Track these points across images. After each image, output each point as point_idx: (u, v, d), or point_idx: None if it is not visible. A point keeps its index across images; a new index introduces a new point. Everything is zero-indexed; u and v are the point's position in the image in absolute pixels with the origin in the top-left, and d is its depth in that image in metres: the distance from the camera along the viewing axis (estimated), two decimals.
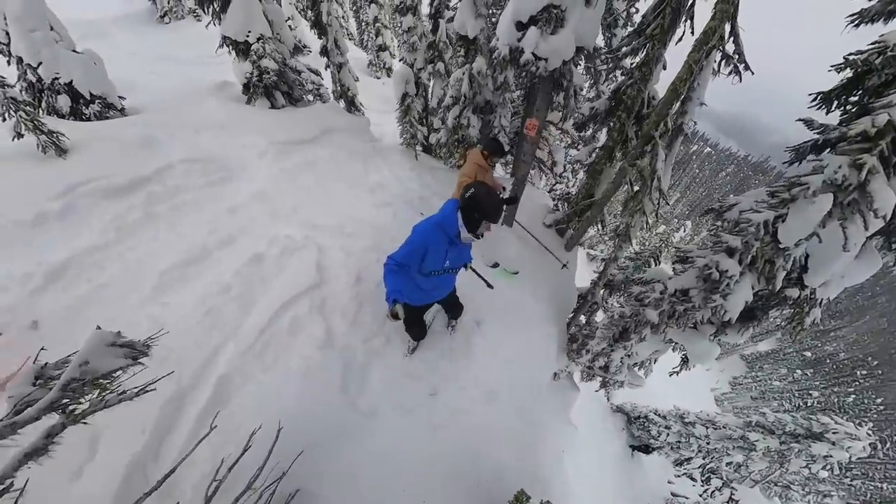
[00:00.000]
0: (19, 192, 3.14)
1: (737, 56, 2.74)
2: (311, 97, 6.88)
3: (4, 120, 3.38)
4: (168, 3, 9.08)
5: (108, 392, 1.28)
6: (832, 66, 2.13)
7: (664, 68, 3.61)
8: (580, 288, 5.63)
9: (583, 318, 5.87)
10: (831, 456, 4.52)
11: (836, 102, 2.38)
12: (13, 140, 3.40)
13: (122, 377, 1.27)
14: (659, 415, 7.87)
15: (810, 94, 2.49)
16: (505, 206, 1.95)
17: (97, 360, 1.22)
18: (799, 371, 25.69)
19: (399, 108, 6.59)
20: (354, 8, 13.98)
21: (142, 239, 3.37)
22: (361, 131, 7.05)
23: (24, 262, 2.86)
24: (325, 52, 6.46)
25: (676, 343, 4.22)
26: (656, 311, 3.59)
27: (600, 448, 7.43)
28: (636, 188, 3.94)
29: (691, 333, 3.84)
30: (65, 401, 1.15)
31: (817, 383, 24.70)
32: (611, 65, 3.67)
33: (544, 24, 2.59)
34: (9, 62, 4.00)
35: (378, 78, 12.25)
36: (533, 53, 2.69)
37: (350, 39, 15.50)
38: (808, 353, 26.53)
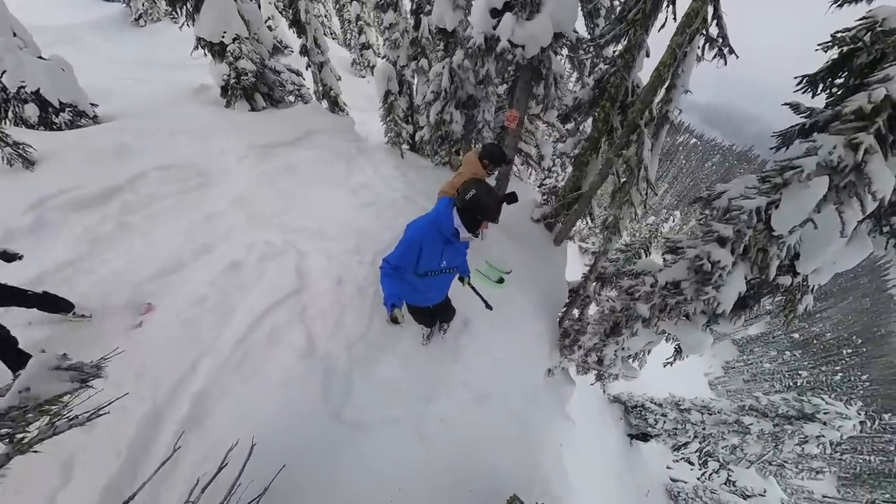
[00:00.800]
0: None
1: (721, 39, 2.68)
2: (292, 98, 6.74)
3: None
4: (143, 5, 8.80)
5: (57, 418, 1.20)
6: (819, 45, 2.09)
7: (647, 55, 3.54)
8: (571, 282, 5.59)
9: (576, 313, 5.84)
10: (823, 436, 4.58)
11: (821, 85, 2.35)
12: None
13: (86, 399, 1.20)
14: (655, 403, 7.94)
15: (796, 78, 2.45)
16: (506, 204, 1.91)
17: (40, 385, 1.14)
18: (788, 352, 26.36)
19: (382, 105, 6.48)
20: (337, 6, 13.76)
21: (116, 251, 3.26)
22: (345, 131, 6.92)
23: None
24: (304, 51, 6.32)
25: (669, 334, 4.24)
26: (647, 305, 3.56)
27: (600, 439, 7.46)
28: (623, 179, 3.89)
29: (684, 324, 3.80)
30: (5, 430, 1.08)
31: (806, 363, 25.42)
32: (593, 53, 3.59)
33: (520, 9, 2.52)
34: None
35: (363, 77, 12.07)
36: (509, 41, 2.62)
37: (333, 38, 15.23)
38: (797, 335, 27.18)
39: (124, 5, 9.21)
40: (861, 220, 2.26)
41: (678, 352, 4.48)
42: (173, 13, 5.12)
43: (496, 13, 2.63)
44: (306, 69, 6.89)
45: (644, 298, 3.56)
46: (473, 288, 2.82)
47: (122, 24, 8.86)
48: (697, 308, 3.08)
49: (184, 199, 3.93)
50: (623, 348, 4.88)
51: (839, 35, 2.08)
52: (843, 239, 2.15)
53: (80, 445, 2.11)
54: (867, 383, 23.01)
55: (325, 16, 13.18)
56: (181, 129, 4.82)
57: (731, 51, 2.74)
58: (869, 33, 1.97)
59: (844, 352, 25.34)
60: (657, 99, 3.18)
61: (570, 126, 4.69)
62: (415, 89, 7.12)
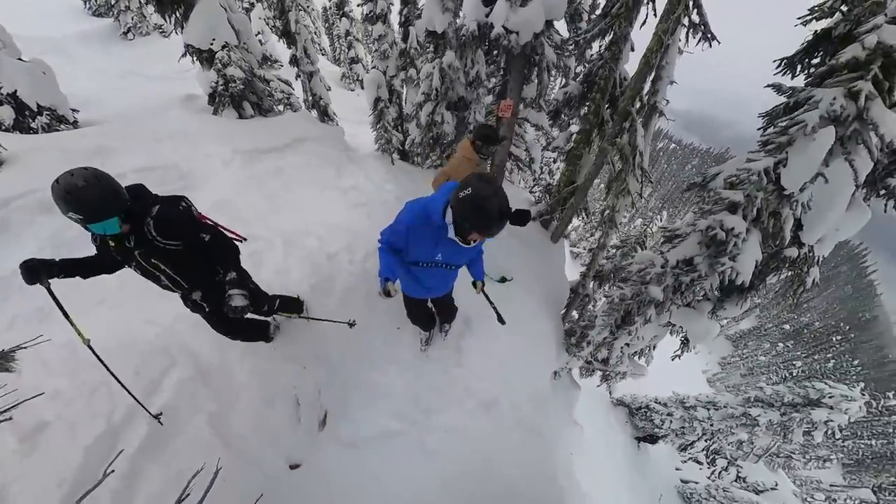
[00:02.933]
0: None
1: (703, 26, 2.77)
2: (281, 107, 6.75)
3: None
4: (132, 19, 8.87)
5: None
6: (799, 18, 2.14)
7: (632, 49, 3.64)
8: (570, 281, 5.51)
9: (575, 314, 5.71)
10: (832, 420, 4.51)
11: (799, 67, 2.43)
12: None
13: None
14: (660, 403, 7.77)
15: (774, 61, 2.53)
16: (510, 224, 1.56)
17: None
18: (781, 344, 26.88)
19: (372, 112, 6.53)
20: (327, 25, 14.23)
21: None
22: (335, 140, 6.90)
23: None
24: (294, 61, 6.38)
25: (675, 326, 4.08)
26: (660, 287, 3.45)
27: (607, 445, 7.19)
28: (619, 167, 3.85)
29: (689, 312, 3.75)
30: None
31: (799, 353, 26.00)
32: (579, 50, 3.67)
33: None
34: None
35: (352, 90, 12.31)
36: (503, 27, 2.63)
37: (323, 54, 15.68)
38: (787, 326, 27.80)
39: (113, 19, 9.27)
40: (858, 187, 2.27)
41: (685, 343, 4.36)
42: (165, 28, 5.10)
43: (488, 2, 2.66)
44: (296, 79, 6.95)
45: (656, 280, 3.43)
46: (487, 297, 2.47)
47: (111, 37, 8.89)
48: (714, 283, 2.96)
49: None
50: (637, 338, 4.71)
51: (816, 7, 2.14)
52: (846, 202, 2.12)
53: (14, 474, 1.77)
54: (859, 368, 23.53)
55: (315, 33, 13.55)
56: (165, 134, 4.70)
57: (713, 37, 2.87)
58: (843, 3, 2.04)
59: (834, 339, 26.02)
60: (646, 87, 3.23)
61: (560, 121, 4.73)
62: (404, 99, 7.22)
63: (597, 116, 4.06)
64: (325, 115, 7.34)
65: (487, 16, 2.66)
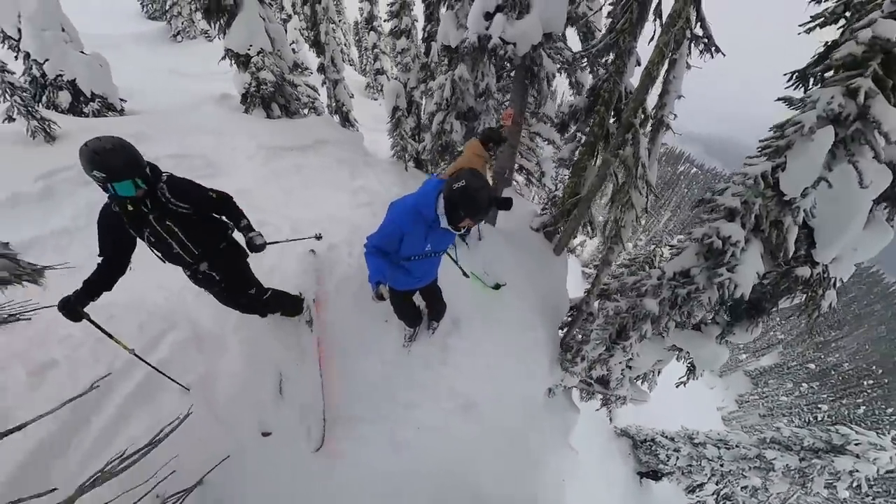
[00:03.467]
0: (0, 174, 3.19)
1: (706, 39, 2.80)
2: (306, 111, 7.22)
3: (2, 100, 3.52)
4: (181, 24, 9.95)
5: None
6: (801, 26, 2.10)
7: (638, 63, 3.72)
8: (573, 299, 5.40)
9: (578, 334, 5.55)
10: (857, 471, 4.06)
11: (812, 80, 2.38)
12: (3, 122, 3.51)
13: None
14: (666, 437, 7.30)
15: (785, 74, 2.48)
16: (496, 208, 1.78)
17: None
18: (805, 384, 24.50)
19: (390, 120, 6.87)
20: (357, 38, 15.22)
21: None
22: (354, 144, 7.28)
23: None
24: (322, 68, 6.86)
25: (681, 351, 3.89)
26: (656, 300, 3.27)
27: (606, 476, 6.81)
28: (622, 180, 3.80)
29: (695, 336, 3.57)
30: None
31: (825, 396, 23.53)
32: (586, 62, 3.81)
33: (509, 10, 2.74)
34: (16, 57, 4.24)
35: (375, 99, 12.97)
36: (500, 38, 2.81)
37: (351, 65, 16.70)
38: (812, 366, 25.39)
39: (166, 23, 10.45)
40: (876, 202, 2.15)
41: (691, 370, 4.11)
42: (210, 32, 5.64)
43: (488, 16, 2.87)
44: (322, 86, 7.44)
45: (652, 293, 3.30)
46: (452, 257, 2.85)
47: (162, 38, 10.02)
48: (712, 297, 2.79)
49: None
50: (630, 365, 4.51)
51: (818, 14, 2.08)
52: (861, 216, 2.02)
53: (21, 402, 1.97)
54: (894, 417, 21.01)
55: (345, 44, 14.50)
56: (198, 127, 5.15)
57: (718, 49, 2.86)
58: (844, 8, 1.97)
59: (865, 383, 23.51)
60: (649, 97, 3.28)
61: (567, 133, 4.83)
62: (423, 109, 7.57)
63: (601, 128, 4.10)
64: (346, 120, 7.76)
65: (487, 28, 2.86)
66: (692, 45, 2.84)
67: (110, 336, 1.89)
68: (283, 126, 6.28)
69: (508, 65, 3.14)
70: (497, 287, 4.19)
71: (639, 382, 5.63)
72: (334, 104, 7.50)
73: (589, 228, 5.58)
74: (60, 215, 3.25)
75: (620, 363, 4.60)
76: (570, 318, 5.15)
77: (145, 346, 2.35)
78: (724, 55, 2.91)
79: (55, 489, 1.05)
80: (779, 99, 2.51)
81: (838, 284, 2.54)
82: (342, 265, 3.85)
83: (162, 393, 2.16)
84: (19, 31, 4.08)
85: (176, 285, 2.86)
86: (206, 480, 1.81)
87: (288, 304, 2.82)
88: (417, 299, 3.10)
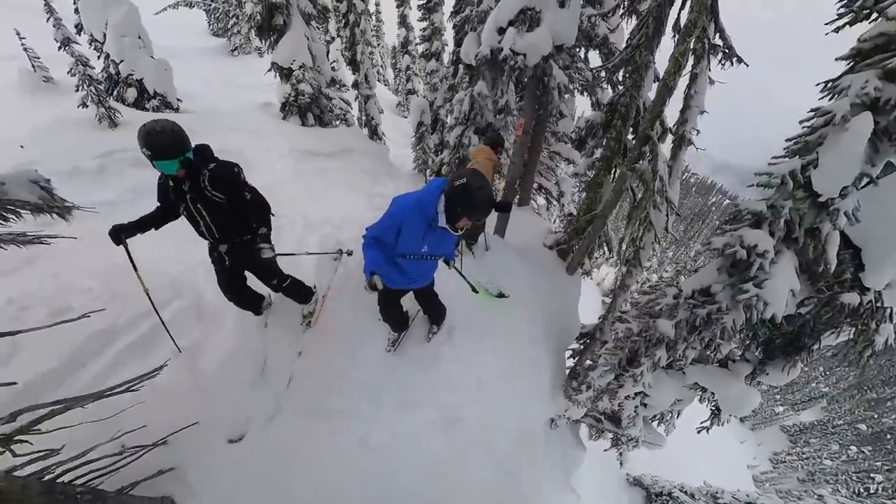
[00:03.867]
0: (68, 149, 3.71)
1: (727, 49, 2.74)
2: (338, 122, 7.78)
3: (78, 90, 4.18)
4: (239, 41, 11.40)
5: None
6: (827, 24, 1.87)
7: (656, 78, 3.71)
8: (586, 325, 5.10)
9: (587, 361, 5.21)
10: None
11: None
12: (78, 107, 4.13)
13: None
14: (686, 492, 6.48)
15: (818, 84, 2.33)
16: (495, 210, 1.76)
17: (14, 185, 1.31)
18: (854, 448, 20.41)
19: (414, 135, 7.22)
20: (393, 61, 16.47)
21: (152, 202, 3.74)
22: (379, 156, 7.69)
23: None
24: (356, 84, 7.42)
25: (704, 391, 3.40)
26: (671, 322, 2.82)
27: None
28: (639, 196, 3.62)
29: (721, 374, 3.13)
30: None
31: (879, 464, 19.35)
32: (605, 77, 3.88)
33: (520, 24, 2.89)
34: (98, 56, 5.06)
35: (404, 117, 13.75)
36: (511, 49, 2.96)
37: (385, 85, 17.95)
38: (863, 426, 21.23)
39: (226, 40, 12.11)
40: None
41: (716, 414, 3.51)
42: (260, 47, 6.31)
43: (501, 31, 3.05)
44: (355, 100, 8.02)
45: (667, 314, 2.90)
46: (459, 271, 2.67)
47: (221, 53, 11.63)
48: (737, 320, 2.38)
49: None
50: (644, 386, 4.02)
51: (844, 9, 1.85)
52: None
53: (35, 336, 2.14)
54: None
55: (381, 66, 15.63)
56: (240, 127, 5.70)
57: (740, 60, 2.78)
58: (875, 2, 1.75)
59: None
60: (669, 112, 3.20)
61: (585, 152, 4.81)
62: (448, 128, 7.92)
63: (619, 143, 3.98)
64: (374, 133, 8.25)
65: (500, 42, 3.03)
66: (710, 55, 2.77)
67: (135, 269, 2.12)
68: (314, 133, 6.79)
69: (518, 74, 3.26)
70: (501, 296, 4.06)
71: (654, 423, 5.07)
72: (365, 118, 8.03)
73: (605, 248, 5.40)
74: (109, 190, 3.68)
75: (632, 397, 3.95)
76: (581, 346, 4.77)
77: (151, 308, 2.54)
78: (747, 65, 2.81)
79: (15, 383, 1.15)
80: (812, 111, 2.30)
81: (894, 315, 2.09)
82: (349, 261, 3.97)
83: (156, 350, 2.29)
84: (104, 35, 4.87)
85: (191, 261, 3.10)
86: (170, 441, 1.85)
87: (302, 293, 2.92)
88: (410, 303, 3.04)
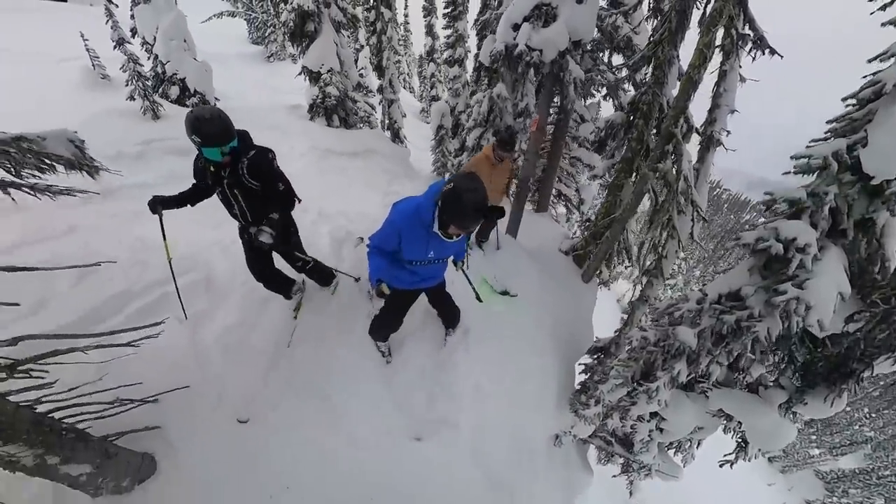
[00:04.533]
0: (114, 136, 4.09)
1: (758, 40, 2.59)
2: (362, 125, 8.07)
3: (127, 85, 4.69)
4: (275, 48, 12.29)
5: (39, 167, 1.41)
6: (872, 14, 1.68)
7: (681, 75, 3.55)
8: (602, 339, 4.77)
9: (598, 375, 4.90)
10: None
11: None
12: (126, 100, 4.65)
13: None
14: None
15: (864, 77, 2.12)
16: (485, 217, 1.60)
17: (53, 141, 1.44)
18: None
19: (434, 138, 7.35)
20: (420, 70, 17.08)
21: (184, 187, 4.01)
22: (399, 158, 7.87)
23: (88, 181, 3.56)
24: (381, 89, 7.69)
25: (730, 419, 2.97)
26: (694, 331, 2.38)
27: None
28: (661, 198, 3.38)
29: (750, 400, 2.69)
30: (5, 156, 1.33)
31: None
32: (626, 75, 3.78)
33: (535, 19, 2.90)
34: (148, 57, 5.66)
35: (427, 123, 14.15)
36: (526, 45, 2.96)
37: (411, 92, 18.56)
38: None
39: (264, 47, 13.31)
40: None
41: (742, 447, 3.06)
42: (294, 54, 6.71)
43: (516, 27, 3.06)
44: (379, 104, 8.30)
45: (689, 321, 2.47)
46: (466, 275, 2.63)
47: (258, 58, 12.66)
48: (773, 330, 1.99)
49: None
50: (660, 405, 3.53)
51: None
52: None
53: (55, 295, 2.37)
54: None
55: (407, 74, 16.16)
56: (268, 126, 6.03)
57: (773, 51, 2.61)
58: None
59: None
60: (699, 114, 2.99)
61: (605, 154, 4.68)
62: (466, 129, 8.01)
63: (640, 143, 3.80)
64: (396, 136, 8.47)
65: (515, 38, 3.04)
66: (739, 47, 2.57)
67: (164, 238, 2.32)
68: (338, 134, 7.06)
69: (535, 71, 3.24)
70: (505, 293, 3.93)
71: (670, 451, 4.53)
72: (388, 121, 8.28)
73: (625, 255, 5.14)
74: (147, 173, 4.00)
75: (646, 419, 3.54)
76: (595, 361, 4.41)
77: (167, 276, 2.69)
78: (782, 57, 2.61)
79: (18, 304, 1.23)
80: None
81: None
82: (359, 251, 4.04)
83: (163, 314, 2.41)
84: (154, 38, 5.42)
85: (208, 242, 3.27)
86: (161, 400, 1.89)
87: (324, 276, 3.01)
88: (423, 307, 2.90)
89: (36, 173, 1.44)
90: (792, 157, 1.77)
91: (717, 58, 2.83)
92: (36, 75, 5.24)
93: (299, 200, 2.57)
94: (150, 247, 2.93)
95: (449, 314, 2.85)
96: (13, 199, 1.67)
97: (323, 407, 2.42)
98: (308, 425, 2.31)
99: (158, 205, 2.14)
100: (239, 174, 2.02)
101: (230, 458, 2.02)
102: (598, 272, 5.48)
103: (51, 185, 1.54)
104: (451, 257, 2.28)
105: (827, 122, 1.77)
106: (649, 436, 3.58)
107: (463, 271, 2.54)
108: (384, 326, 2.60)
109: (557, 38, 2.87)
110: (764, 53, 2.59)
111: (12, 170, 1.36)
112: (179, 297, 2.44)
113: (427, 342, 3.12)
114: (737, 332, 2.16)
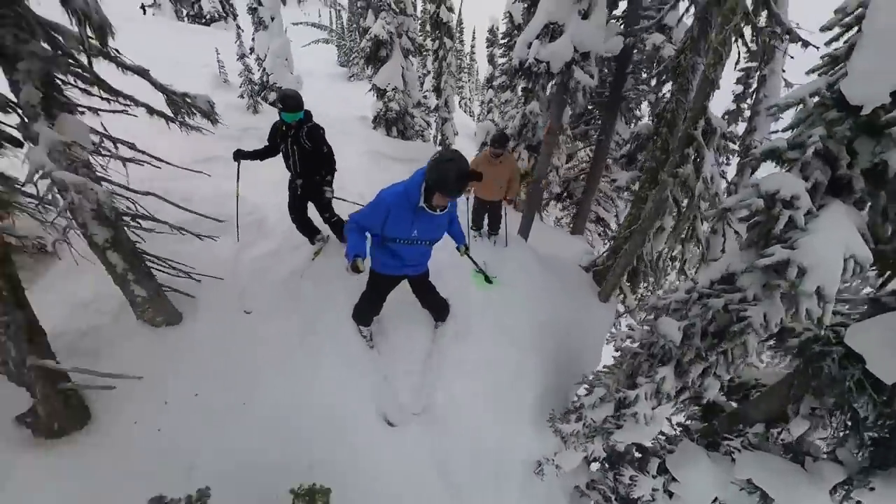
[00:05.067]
0: (226, 120, 5.45)
1: (787, 32, 2.53)
2: (416, 138, 9.11)
3: (241, 87, 6.29)
4: (356, 70, 14.76)
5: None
6: None
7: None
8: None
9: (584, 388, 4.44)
10: None
11: None
12: (238, 97, 6.22)
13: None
14: None
15: None
16: (466, 179, 1.71)
17: (200, 101, 2.25)
18: None
19: (478, 153, 7.96)
20: (480, 97, 18.46)
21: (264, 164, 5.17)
22: None
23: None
24: (436, 108, 8.69)
25: (765, 498, 2.20)
26: (679, 325, 1.97)
27: None
28: (683, 204, 3.23)
29: (791, 473, 2.01)
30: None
31: None
32: (655, 81, 3.92)
33: (543, 36, 3.34)
34: (259, 69, 7.51)
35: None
36: (535, 58, 3.40)
37: (470, 116, 19.93)
38: None
39: (347, 69, 16.89)
40: None
41: None
42: (369, 74, 8.06)
43: (530, 45, 3.52)
44: (434, 121, 9.30)
45: (674, 312, 2.09)
46: (472, 259, 2.94)
47: (341, 78, 16.02)
48: (770, 317, 1.60)
49: None
50: (672, 491, 2.59)
51: None
52: None
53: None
54: None
55: (469, 98, 17.55)
56: (336, 129, 7.29)
57: (806, 43, 2.50)
58: None
59: None
60: (709, 103, 2.84)
61: (634, 166, 4.68)
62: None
63: (664, 152, 3.69)
64: None
65: (527, 54, 3.51)
66: (767, 41, 2.53)
67: (238, 180, 3.32)
68: (393, 143, 8.09)
69: (545, 80, 3.64)
70: (488, 280, 3.62)
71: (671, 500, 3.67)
72: (440, 136, 9.21)
73: (648, 269, 4.78)
74: (237, 145, 5.19)
75: (652, 475, 2.73)
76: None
77: (233, 217, 3.55)
78: (817, 48, 2.37)
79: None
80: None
81: None
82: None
83: (225, 233, 3.31)
84: (265, 56, 7.07)
85: (267, 201, 4.18)
86: (202, 281, 2.70)
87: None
88: (405, 295, 2.77)
89: (186, 118, 2.37)
90: (766, 109, 1.74)
91: (738, 56, 2.76)
92: (187, 76, 7.29)
93: (335, 170, 3.26)
94: (227, 197, 3.93)
95: (436, 305, 2.86)
96: (169, 127, 2.56)
97: (306, 334, 2.85)
98: (291, 345, 2.77)
99: (239, 156, 3.12)
100: (299, 136, 2.84)
101: (233, 335, 2.76)
102: (618, 293, 5.16)
103: (181, 124, 2.45)
104: (438, 241, 2.26)
105: (806, 74, 1.56)
106: (652, 496, 2.76)
107: (468, 255, 2.78)
108: (365, 310, 2.70)
109: (563, 51, 3.23)
110: (782, 38, 2.48)
111: (179, 111, 2.32)
112: (237, 225, 3.38)
113: (417, 332, 3.11)
114: (728, 325, 1.78)
